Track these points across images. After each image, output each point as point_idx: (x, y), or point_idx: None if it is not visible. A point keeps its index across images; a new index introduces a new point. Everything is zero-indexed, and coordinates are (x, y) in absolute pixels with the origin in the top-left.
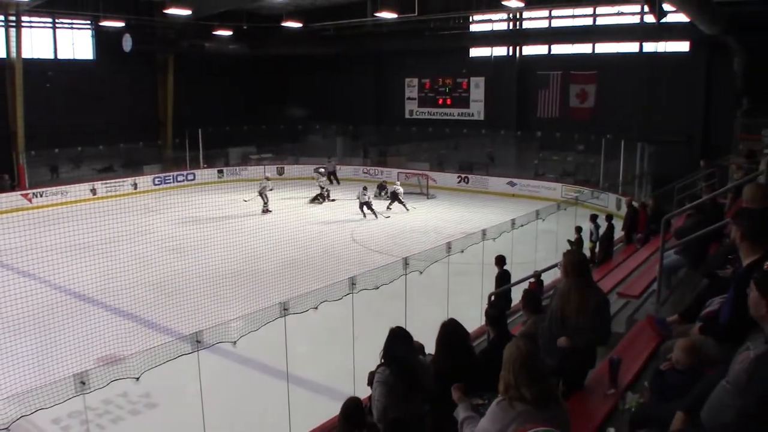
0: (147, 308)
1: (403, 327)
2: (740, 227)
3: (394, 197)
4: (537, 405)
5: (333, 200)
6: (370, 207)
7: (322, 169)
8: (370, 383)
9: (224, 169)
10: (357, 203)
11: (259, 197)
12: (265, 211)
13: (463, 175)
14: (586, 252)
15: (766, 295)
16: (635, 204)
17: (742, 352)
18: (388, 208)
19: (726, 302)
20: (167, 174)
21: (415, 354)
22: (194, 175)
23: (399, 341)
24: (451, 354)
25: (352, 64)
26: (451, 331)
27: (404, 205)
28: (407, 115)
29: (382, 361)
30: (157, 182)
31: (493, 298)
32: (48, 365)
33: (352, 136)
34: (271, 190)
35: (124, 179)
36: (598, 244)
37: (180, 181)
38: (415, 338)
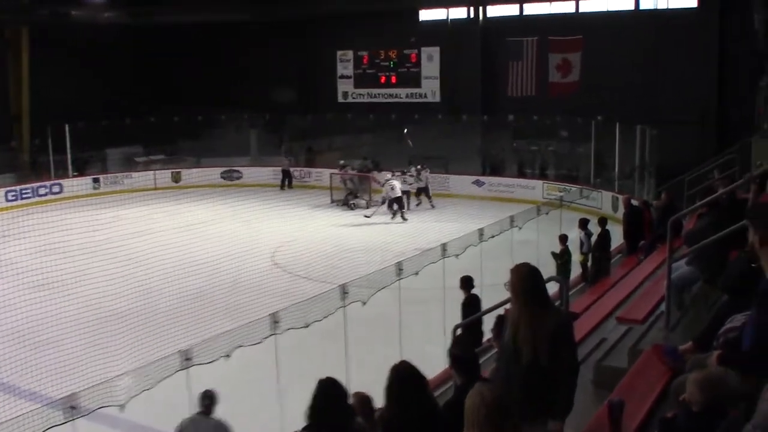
0: (2, 367)
1: (336, 380)
2: (759, 229)
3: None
4: None
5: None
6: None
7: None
8: None
9: (101, 177)
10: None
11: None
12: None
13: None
14: (576, 266)
15: None
16: (636, 203)
17: None
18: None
19: (748, 324)
20: (24, 186)
21: (351, 418)
22: (61, 186)
23: (329, 398)
24: (404, 406)
25: (267, 35)
26: (403, 376)
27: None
28: (341, 99)
29: (308, 422)
30: (11, 197)
31: (459, 331)
32: None
33: (269, 128)
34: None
35: None
36: (590, 256)
37: (42, 195)
38: (360, 388)
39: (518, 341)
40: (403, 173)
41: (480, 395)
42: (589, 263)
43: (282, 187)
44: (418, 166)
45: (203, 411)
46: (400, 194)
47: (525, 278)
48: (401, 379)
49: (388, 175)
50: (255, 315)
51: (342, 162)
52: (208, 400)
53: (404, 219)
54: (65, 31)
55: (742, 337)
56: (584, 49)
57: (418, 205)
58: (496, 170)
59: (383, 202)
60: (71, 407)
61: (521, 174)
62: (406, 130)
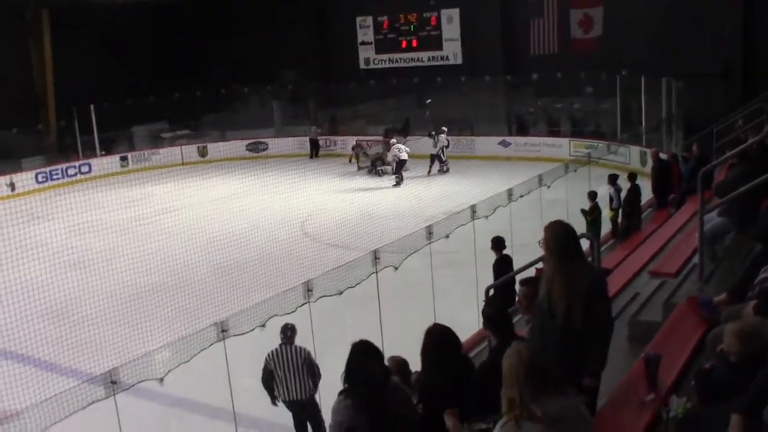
0: (42, 345)
1: (369, 341)
2: None
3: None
4: (551, 422)
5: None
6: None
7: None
8: None
9: (128, 154)
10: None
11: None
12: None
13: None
14: (606, 222)
15: None
16: (664, 156)
17: None
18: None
19: None
20: (54, 167)
21: (387, 377)
22: (90, 165)
23: (363, 360)
24: (439, 369)
25: (285, 5)
26: (437, 339)
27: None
28: (363, 65)
29: (346, 384)
30: (41, 179)
31: (491, 292)
32: None
33: (291, 99)
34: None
35: None
36: (620, 211)
37: (72, 176)
38: (396, 353)
39: (553, 299)
40: (431, 136)
41: (518, 354)
42: (620, 218)
43: (311, 156)
44: (443, 128)
45: (286, 341)
46: (406, 158)
47: (558, 236)
48: (436, 342)
49: (393, 140)
50: (288, 284)
51: (356, 141)
52: (290, 331)
53: (401, 180)
54: (84, 13)
55: None
56: (605, 3)
57: (445, 170)
58: (522, 129)
59: (388, 164)
60: (112, 382)
61: (549, 132)
62: (429, 101)
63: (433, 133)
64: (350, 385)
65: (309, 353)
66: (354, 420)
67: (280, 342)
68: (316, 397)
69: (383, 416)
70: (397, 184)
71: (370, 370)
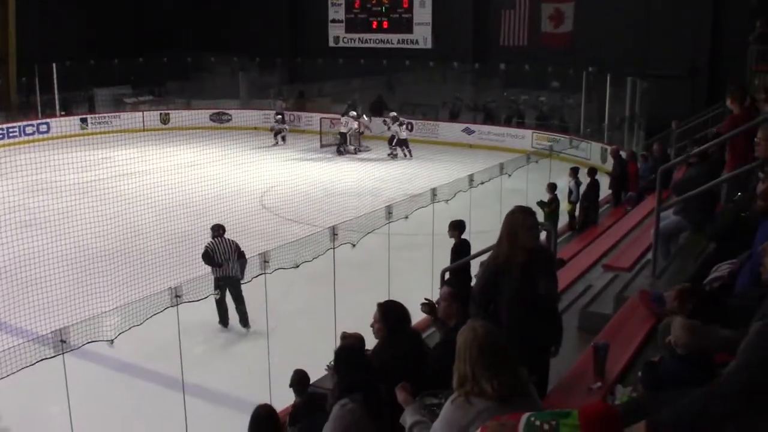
0: None
1: (352, 346)
2: None
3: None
4: (501, 400)
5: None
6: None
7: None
8: (292, 385)
9: (88, 117)
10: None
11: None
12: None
13: (405, 121)
14: (564, 215)
15: None
16: (624, 154)
17: (756, 323)
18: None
19: (747, 268)
20: (12, 125)
21: (378, 378)
22: (48, 125)
23: (357, 365)
24: (390, 342)
25: None
26: (389, 315)
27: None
28: (332, 43)
29: (333, 379)
30: None
31: (447, 275)
32: None
33: (259, 71)
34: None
35: None
36: (578, 205)
37: (30, 134)
38: (349, 329)
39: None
40: (395, 122)
41: (472, 331)
42: (577, 212)
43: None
44: (393, 113)
45: (217, 235)
46: (345, 132)
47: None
48: (390, 318)
49: (352, 113)
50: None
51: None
52: (219, 228)
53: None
54: None
55: (737, 279)
56: (577, 0)
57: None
58: (487, 118)
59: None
60: (61, 341)
61: (514, 124)
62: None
63: (395, 116)
64: (348, 390)
65: (237, 243)
66: (361, 422)
67: (212, 237)
68: None
69: (384, 414)
70: (340, 153)
71: (365, 375)
